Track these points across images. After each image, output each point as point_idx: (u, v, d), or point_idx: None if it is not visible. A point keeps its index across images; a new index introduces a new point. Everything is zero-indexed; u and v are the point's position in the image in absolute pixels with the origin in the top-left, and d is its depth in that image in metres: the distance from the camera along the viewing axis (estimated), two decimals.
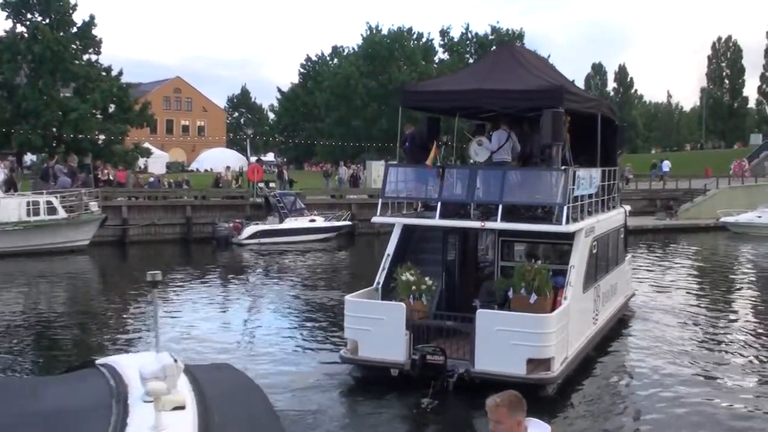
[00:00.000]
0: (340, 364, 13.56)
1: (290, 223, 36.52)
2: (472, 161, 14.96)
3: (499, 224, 13.37)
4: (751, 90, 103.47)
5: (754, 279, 28.09)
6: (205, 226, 37.21)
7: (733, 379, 13.87)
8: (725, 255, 34.80)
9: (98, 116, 47.71)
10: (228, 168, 52.98)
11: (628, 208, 20.18)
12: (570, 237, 13.45)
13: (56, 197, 31.72)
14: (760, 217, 40.60)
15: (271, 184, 44.13)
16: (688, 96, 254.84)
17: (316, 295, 22.80)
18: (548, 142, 13.68)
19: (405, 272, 13.21)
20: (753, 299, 23.54)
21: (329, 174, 53.16)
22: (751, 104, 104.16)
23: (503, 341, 11.89)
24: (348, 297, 13.48)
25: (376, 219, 14.67)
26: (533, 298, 12.61)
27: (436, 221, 13.85)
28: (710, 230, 42.71)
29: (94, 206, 33.12)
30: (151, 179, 44.68)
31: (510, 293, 12.88)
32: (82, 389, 3.89)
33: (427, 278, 13.37)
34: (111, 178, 40.31)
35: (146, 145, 55.72)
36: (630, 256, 21.37)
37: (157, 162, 63.36)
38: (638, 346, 16.30)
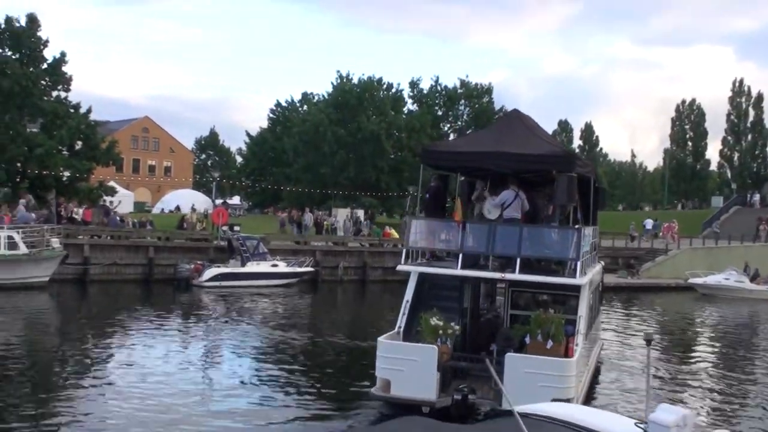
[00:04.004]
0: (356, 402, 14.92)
1: (252, 267, 36.39)
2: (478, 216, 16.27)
3: (517, 275, 14.41)
4: (712, 153, 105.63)
5: (717, 336, 28.89)
6: (167, 268, 36.91)
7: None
8: (691, 314, 35.70)
9: (64, 153, 47.36)
10: (195, 210, 52.70)
11: (602, 263, 21.56)
12: (578, 289, 14.59)
13: (18, 232, 31.38)
14: (727, 279, 41.47)
15: (236, 228, 43.95)
16: (650, 156, 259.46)
17: (276, 339, 22.74)
18: (563, 203, 15.08)
19: (432, 317, 14.15)
20: (715, 353, 24.65)
21: (295, 220, 53.00)
22: (713, 167, 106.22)
23: (531, 382, 12.77)
24: (381, 339, 14.45)
25: (401, 267, 15.50)
26: (549, 344, 13.69)
27: (458, 271, 14.81)
28: (672, 290, 43.30)
29: (55, 243, 32.77)
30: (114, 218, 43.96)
31: (527, 339, 13.90)
32: None
33: (452, 323, 14.33)
34: (75, 216, 39.79)
35: (111, 183, 55.32)
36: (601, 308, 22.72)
37: (121, 201, 62.68)
38: (613, 389, 17.77)
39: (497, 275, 14.78)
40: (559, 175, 14.53)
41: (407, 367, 13.67)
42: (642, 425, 3.70)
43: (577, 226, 15.29)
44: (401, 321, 15.04)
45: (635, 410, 15.53)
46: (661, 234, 55.61)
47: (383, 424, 4.05)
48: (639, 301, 38.55)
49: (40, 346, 20.96)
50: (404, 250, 15.69)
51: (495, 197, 15.84)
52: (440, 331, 14.03)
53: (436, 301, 15.07)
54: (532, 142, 15.40)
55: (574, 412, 4.25)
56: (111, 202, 48.56)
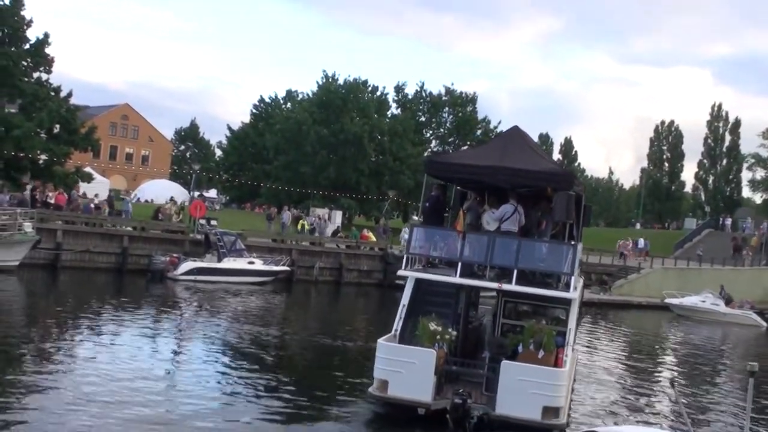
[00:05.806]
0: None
1: (228, 263, 35.98)
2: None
3: (514, 287, 14.79)
4: (688, 175, 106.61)
5: (687, 354, 29.42)
6: (141, 258, 36.43)
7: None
8: (663, 332, 36.17)
9: (42, 135, 46.65)
10: (174, 202, 52.09)
11: (582, 279, 21.99)
12: (569, 302, 15.18)
13: None
14: (703, 301, 41.99)
15: (213, 222, 43.50)
16: (624, 174, 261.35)
17: (253, 338, 22.44)
18: (562, 219, 15.47)
19: (431, 322, 14.61)
20: (684, 371, 25.21)
21: (272, 217, 52.67)
22: (687, 188, 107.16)
23: (524, 389, 13.52)
24: (380, 341, 14.90)
25: (402, 272, 15.84)
26: (541, 353, 14.14)
27: (458, 279, 15.23)
28: (644, 308, 43.60)
29: (28, 227, 32.18)
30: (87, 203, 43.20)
31: (520, 348, 14.34)
32: None
33: (450, 329, 14.80)
34: (49, 200, 39.13)
35: (87, 169, 54.58)
36: None
37: (97, 188, 61.94)
38: (592, 399, 18.56)
39: (494, 285, 15.09)
40: (558, 193, 14.88)
41: (405, 369, 14.11)
42: None
43: (572, 242, 15.78)
44: (398, 324, 15.42)
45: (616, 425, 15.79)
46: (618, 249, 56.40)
47: None
48: (605, 317, 38.52)
49: (0, 332, 19.98)
50: (405, 257, 16.05)
51: (494, 210, 16.07)
52: (438, 336, 14.44)
53: (431, 307, 15.49)
54: (533, 159, 15.77)
55: None
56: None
